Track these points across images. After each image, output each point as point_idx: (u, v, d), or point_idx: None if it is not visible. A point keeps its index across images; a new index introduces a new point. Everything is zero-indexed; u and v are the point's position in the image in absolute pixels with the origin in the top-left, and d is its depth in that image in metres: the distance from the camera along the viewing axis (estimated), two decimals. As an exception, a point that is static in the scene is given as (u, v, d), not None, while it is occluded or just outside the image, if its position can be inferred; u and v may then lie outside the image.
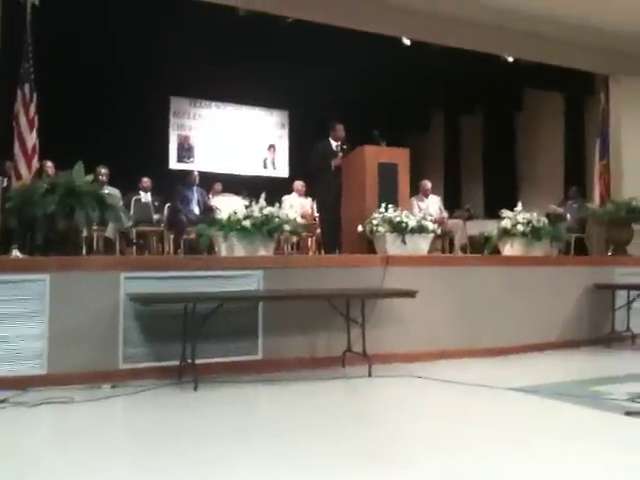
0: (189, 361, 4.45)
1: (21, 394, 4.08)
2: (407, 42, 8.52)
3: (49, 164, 7.47)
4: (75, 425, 3.60)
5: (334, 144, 7.51)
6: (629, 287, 6.46)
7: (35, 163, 6.22)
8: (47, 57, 6.90)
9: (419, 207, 8.68)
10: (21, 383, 4.26)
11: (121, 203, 7.10)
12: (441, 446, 3.19)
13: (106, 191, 6.00)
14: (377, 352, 5.06)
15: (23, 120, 6.10)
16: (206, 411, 3.89)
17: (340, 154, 7.35)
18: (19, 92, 6.15)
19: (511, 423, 3.65)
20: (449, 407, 4.04)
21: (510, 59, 9.16)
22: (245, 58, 9.55)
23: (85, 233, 6.49)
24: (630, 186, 8.97)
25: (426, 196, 9.05)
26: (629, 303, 6.46)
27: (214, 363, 4.74)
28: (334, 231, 7.31)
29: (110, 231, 7.51)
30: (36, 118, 6.22)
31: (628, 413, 3.64)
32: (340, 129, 7.54)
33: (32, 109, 6.17)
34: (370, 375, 4.77)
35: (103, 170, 7.92)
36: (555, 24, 8.32)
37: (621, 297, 6.49)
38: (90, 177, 5.14)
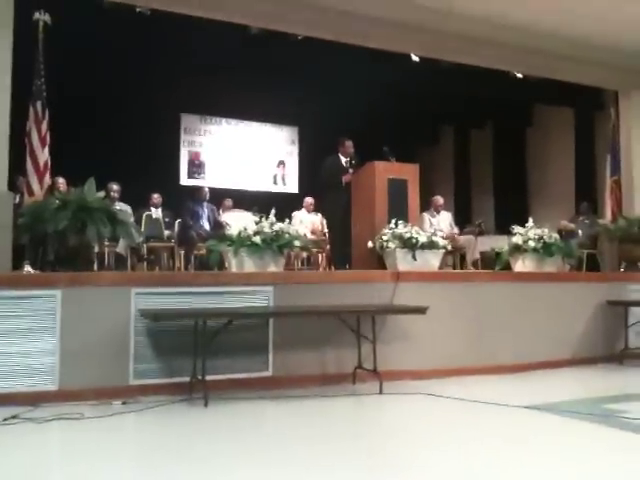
0: (199, 377, 4.44)
1: (32, 410, 4.09)
2: (416, 58, 8.55)
3: (61, 180, 7.52)
4: (85, 441, 3.58)
5: (343, 160, 7.54)
6: (642, 303, 6.40)
7: (47, 179, 6.25)
8: (59, 74, 6.96)
9: (431, 222, 8.66)
10: (32, 399, 4.27)
11: (132, 219, 7.12)
12: (454, 464, 3.15)
13: (117, 207, 6.05)
14: (388, 369, 5.03)
15: (35, 137, 6.15)
16: (216, 427, 3.87)
17: (350, 170, 7.37)
18: (31, 109, 6.20)
19: (525, 442, 3.60)
20: (461, 425, 3.99)
21: (519, 75, 9.17)
22: (255, 75, 9.61)
23: (97, 249, 6.52)
24: (642, 202, 8.93)
25: (438, 212, 9.04)
26: (642, 320, 6.40)
27: (224, 379, 4.72)
28: (344, 247, 7.31)
29: (121, 247, 7.55)
30: (48, 135, 6.27)
31: (643, 432, 3.60)
32: (349, 145, 7.58)
33: (44, 126, 6.22)
34: (381, 392, 4.74)
35: (114, 186, 7.98)
36: (563, 40, 8.32)
37: (634, 314, 6.43)
38: (101, 193, 5.18)
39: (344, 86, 9.83)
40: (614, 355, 6.36)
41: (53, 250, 5.11)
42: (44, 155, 6.21)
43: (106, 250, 7.52)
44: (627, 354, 6.36)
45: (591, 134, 10.94)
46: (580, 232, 9.15)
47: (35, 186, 6.11)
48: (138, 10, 7.04)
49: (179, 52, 8.57)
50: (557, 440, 3.62)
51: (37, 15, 6.24)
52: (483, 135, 12.91)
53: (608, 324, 6.47)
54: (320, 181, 7.63)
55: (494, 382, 5.37)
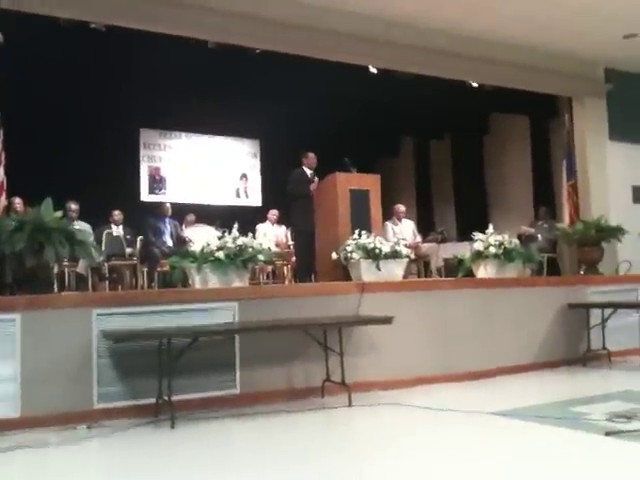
0: (165, 398, 4.37)
1: (-6, 439, 3.98)
2: (374, 70, 8.63)
3: (17, 200, 7.36)
4: (51, 470, 3.50)
5: (308, 172, 7.58)
6: (602, 305, 6.54)
7: (3, 200, 6.12)
8: (14, 93, 6.83)
9: (394, 231, 8.72)
10: (-7, 427, 4.15)
11: (92, 238, 6.99)
12: (424, 474, 3.16)
13: (76, 226, 5.92)
14: (355, 380, 5.03)
15: (-10, 157, 6.03)
16: (183, 449, 3.80)
17: (316, 179, 7.42)
18: (-15, 129, 6.08)
19: (493, 447, 3.63)
20: (430, 434, 4.01)
21: (475, 84, 9.32)
22: (214, 89, 9.57)
23: (56, 269, 6.39)
24: (598, 205, 9.13)
25: (399, 219, 9.10)
26: (603, 321, 6.53)
27: (191, 399, 4.67)
28: (309, 258, 7.31)
29: (82, 267, 7.40)
30: (3, 155, 6.14)
31: (608, 433, 3.65)
32: (312, 157, 7.65)
33: (-1, 146, 6.10)
34: (350, 404, 4.73)
35: (73, 206, 7.83)
36: (517, 49, 8.51)
37: (595, 316, 6.56)
38: (59, 213, 5.07)
39: (304, 99, 9.85)
40: (577, 357, 6.47)
41: (11, 272, 4.99)
42: (-1, 175, 6.08)
43: (66, 270, 7.37)
44: (590, 356, 6.48)
45: (547, 140, 11.15)
46: (539, 237, 9.31)
47: (-10, 207, 5.97)
48: (93, 26, 6.94)
49: (136, 67, 8.47)
50: (523, 445, 3.66)
51: (-10, 34, 6.12)
52: (442, 145, 13.06)
53: (570, 327, 6.59)
54: (288, 193, 7.64)
55: (461, 389, 5.42)
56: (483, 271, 6.53)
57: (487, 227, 6.73)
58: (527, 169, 11.28)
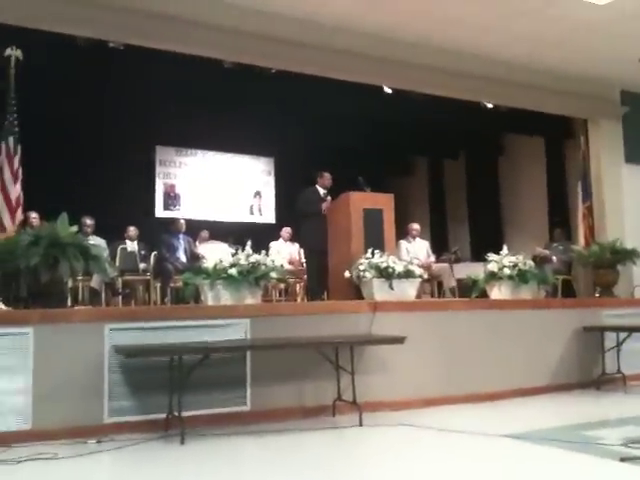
0: (176, 414, 4.37)
1: (5, 451, 3.99)
2: (388, 90, 8.67)
3: (34, 215, 7.44)
4: (58, 483, 3.50)
5: (322, 191, 7.58)
6: (617, 329, 6.46)
7: (19, 215, 6.19)
8: (32, 110, 6.93)
9: (407, 250, 8.69)
10: (5, 439, 4.17)
11: (106, 253, 7.05)
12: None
13: (91, 241, 5.98)
14: (367, 400, 5.00)
15: (7, 173, 6.10)
16: (192, 466, 3.79)
17: (329, 198, 7.42)
18: (3, 145, 6.17)
19: (503, 471, 3.59)
20: (442, 457, 3.96)
21: (490, 105, 9.34)
22: (230, 107, 9.64)
23: (70, 284, 6.44)
24: (613, 227, 9.07)
25: (413, 237, 9.08)
26: (618, 345, 6.45)
27: (201, 415, 4.66)
28: (321, 276, 7.30)
29: (95, 281, 7.45)
30: (20, 170, 6.21)
31: (623, 459, 3.58)
32: (328, 177, 7.65)
33: (16, 161, 6.18)
34: (361, 424, 4.69)
35: (88, 221, 7.91)
36: (533, 70, 8.52)
37: (610, 339, 6.48)
38: (74, 228, 5.12)
39: (319, 118, 9.91)
40: (591, 381, 6.39)
41: (25, 286, 5.03)
42: (16, 190, 6.16)
43: (80, 285, 7.42)
44: (604, 380, 6.39)
45: (562, 162, 11.12)
46: (554, 258, 9.24)
47: (7, 222, 6.05)
48: (111, 45, 7.04)
49: (153, 85, 8.57)
50: (534, 469, 3.61)
51: (9, 51, 6.23)
52: (456, 165, 13.06)
53: (584, 350, 6.51)
54: (297, 210, 7.66)
55: (473, 411, 5.36)
56: (497, 292, 6.49)
57: (501, 248, 6.71)
58: (542, 190, 11.24)
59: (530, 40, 7.81)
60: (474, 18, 7.25)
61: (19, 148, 6.25)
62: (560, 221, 10.53)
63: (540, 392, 6.04)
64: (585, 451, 3.87)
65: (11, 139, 6.20)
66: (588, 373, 6.47)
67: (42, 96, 8.06)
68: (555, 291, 8.32)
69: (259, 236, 8.02)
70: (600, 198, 9.50)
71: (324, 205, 7.37)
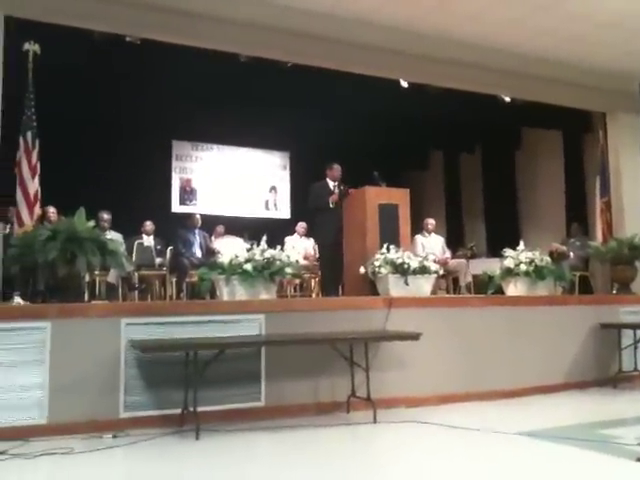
0: (191, 409, 4.39)
1: (22, 444, 4.03)
2: (405, 84, 8.62)
3: (52, 210, 7.51)
4: (75, 477, 3.53)
5: (331, 184, 7.55)
6: (635, 326, 6.40)
7: (37, 209, 6.23)
8: (49, 104, 6.97)
9: (423, 245, 8.66)
10: (21, 433, 4.22)
11: (123, 248, 7.08)
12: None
13: (108, 236, 6.01)
14: (381, 396, 4.99)
15: (25, 167, 6.13)
16: (207, 461, 3.81)
17: (336, 191, 7.39)
18: (21, 140, 6.20)
19: (517, 469, 3.57)
20: (456, 455, 3.95)
21: (507, 99, 9.26)
22: (246, 101, 9.65)
23: (87, 278, 6.48)
24: (632, 223, 8.97)
25: (429, 232, 9.04)
26: (636, 342, 6.39)
27: (216, 411, 4.68)
28: (334, 270, 7.30)
29: (112, 276, 7.50)
30: (38, 165, 6.25)
31: None
32: (336, 169, 7.60)
33: (34, 156, 6.21)
34: (375, 421, 4.69)
35: (105, 215, 7.96)
36: (550, 63, 8.43)
37: (627, 336, 6.42)
38: (92, 223, 5.15)
39: (334, 112, 9.88)
40: (608, 378, 6.33)
41: (43, 281, 5.08)
42: (34, 185, 6.19)
43: (97, 279, 7.48)
44: (621, 377, 6.34)
45: (580, 156, 11.00)
46: (572, 254, 9.17)
47: (25, 216, 6.08)
48: (128, 39, 7.07)
49: (169, 80, 8.59)
50: (549, 467, 3.59)
51: (27, 46, 6.26)
52: (472, 159, 12.96)
53: (601, 347, 6.46)
54: (308, 205, 7.66)
55: (488, 408, 5.34)
56: (513, 288, 6.45)
57: (518, 243, 6.67)
58: (559, 185, 11.13)
59: (549, 34, 7.73)
60: (494, 12, 7.19)
61: (37, 143, 6.28)
62: (577, 216, 10.42)
63: (556, 390, 6.00)
64: (601, 450, 3.84)
65: (29, 134, 6.23)
66: (605, 371, 6.42)
67: (59, 91, 8.11)
68: (572, 287, 8.24)
69: (274, 231, 7.98)
70: (618, 193, 9.41)
71: (332, 198, 7.35)
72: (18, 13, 6.17)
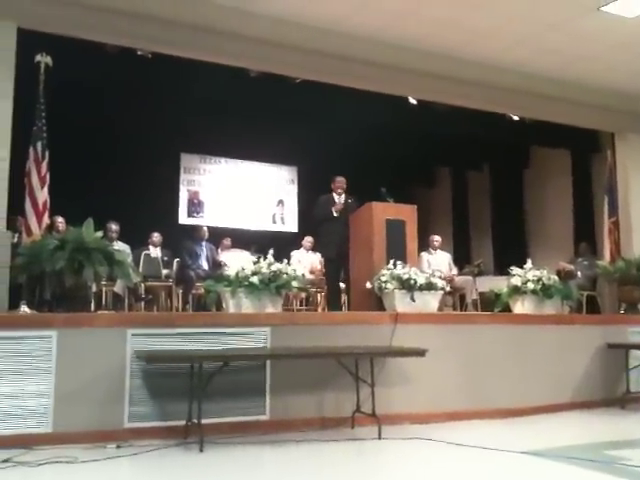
0: (195, 421, 4.38)
1: (25, 453, 4.04)
2: (413, 101, 8.66)
3: (60, 220, 7.53)
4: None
5: (336, 197, 7.56)
6: (642, 346, 6.35)
7: (46, 219, 6.25)
8: (59, 116, 7.02)
9: (429, 262, 8.65)
10: (26, 441, 4.23)
11: (130, 258, 7.11)
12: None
13: (115, 247, 6.03)
14: (386, 412, 4.97)
15: (35, 177, 6.16)
16: (211, 473, 3.79)
17: (339, 200, 7.40)
18: (31, 150, 6.23)
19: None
20: (460, 474, 3.91)
21: (516, 117, 9.28)
22: (255, 116, 9.71)
23: (94, 288, 6.49)
24: (640, 243, 8.94)
25: (434, 249, 9.03)
26: (643, 363, 6.34)
27: (220, 423, 4.67)
28: (339, 282, 7.29)
29: (119, 286, 7.51)
30: (48, 175, 6.28)
31: (647, 480, 3.52)
32: (339, 180, 7.59)
33: (44, 166, 6.24)
34: (380, 437, 4.66)
35: (113, 226, 7.98)
36: (559, 83, 8.46)
37: (634, 357, 6.37)
38: (99, 233, 5.18)
39: (342, 127, 9.92)
40: (615, 399, 6.28)
41: (50, 290, 5.10)
42: (43, 195, 6.21)
43: (104, 290, 7.49)
44: (629, 398, 6.28)
45: (588, 175, 10.98)
46: (579, 273, 9.13)
47: (33, 226, 6.09)
48: (139, 53, 7.14)
49: (179, 93, 8.64)
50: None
51: (39, 57, 6.31)
52: (480, 177, 12.96)
53: (608, 367, 6.41)
54: (314, 217, 7.67)
55: (493, 426, 5.30)
56: (520, 307, 6.43)
57: (525, 262, 6.65)
58: (568, 204, 11.11)
59: (559, 54, 7.76)
60: (504, 31, 7.23)
61: (47, 154, 6.32)
62: (585, 235, 10.39)
63: (563, 409, 5.96)
64: (607, 471, 3.80)
65: (39, 144, 6.26)
66: (612, 391, 6.37)
67: (70, 102, 8.17)
68: (579, 307, 8.20)
69: (281, 245, 8.03)
70: (627, 213, 9.38)
71: (335, 207, 7.37)
72: (31, 25, 6.23)
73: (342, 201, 7.43)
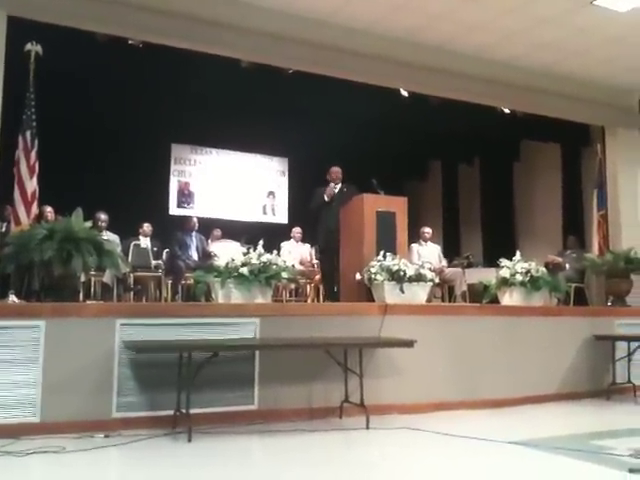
0: (183, 411, 4.38)
1: (13, 442, 4.02)
2: (405, 94, 8.66)
3: (49, 209, 7.49)
4: (66, 476, 3.52)
5: (332, 185, 7.55)
6: (629, 338, 6.41)
7: (35, 209, 6.23)
8: (49, 105, 6.97)
9: (419, 254, 8.67)
10: (13, 431, 4.20)
11: (119, 249, 7.09)
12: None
13: (104, 237, 6.01)
14: (374, 402, 4.98)
15: (24, 167, 6.14)
16: (199, 463, 3.80)
17: (331, 185, 7.41)
18: (20, 139, 6.21)
19: (511, 478, 3.57)
20: (447, 463, 3.94)
21: (507, 111, 9.30)
22: (246, 106, 9.67)
23: (83, 278, 6.47)
24: (628, 236, 9.00)
25: (425, 241, 9.06)
26: (629, 355, 6.40)
27: (209, 413, 4.67)
28: (333, 272, 7.33)
29: (108, 277, 7.48)
30: (37, 164, 6.26)
31: (632, 470, 3.54)
32: (334, 171, 7.59)
33: (33, 156, 6.22)
34: (368, 427, 4.68)
35: (102, 216, 7.93)
36: (550, 77, 8.49)
37: (621, 348, 6.43)
38: (89, 223, 5.16)
39: (334, 119, 9.90)
40: (601, 390, 6.34)
41: (38, 280, 5.08)
42: (32, 184, 6.19)
43: (92, 280, 7.47)
44: (615, 389, 6.34)
45: (578, 169, 11.03)
46: (567, 266, 9.18)
47: (22, 215, 6.08)
48: (130, 42, 7.10)
49: (170, 83, 8.60)
50: (543, 477, 3.59)
51: (29, 46, 6.28)
52: (471, 170, 12.99)
53: (595, 359, 6.47)
54: (310, 207, 7.67)
55: (481, 416, 5.34)
56: (508, 298, 6.46)
57: (514, 254, 6.68)
58: (557, 197, 11.17)
59: (551, 48, 7.78)
60: (498, 25, 7.24)
61: (36, 143, 6.28)
62: (574, 228, 10.45)
63: (549, 400, 6.01)
64: (593, 461, 3.84)
65: (28, 133, 6.23)
66: (598, 382, 6.43)
67: (60, 91, 8.11)
68: (567, 299, 8.26)
69: (272, 236, 8.01)
70: (616, 206, 9.45)
71: (327, 191, 7.38)
72: (21, 13, 6.19)
73: (336, 190, 7.43)
